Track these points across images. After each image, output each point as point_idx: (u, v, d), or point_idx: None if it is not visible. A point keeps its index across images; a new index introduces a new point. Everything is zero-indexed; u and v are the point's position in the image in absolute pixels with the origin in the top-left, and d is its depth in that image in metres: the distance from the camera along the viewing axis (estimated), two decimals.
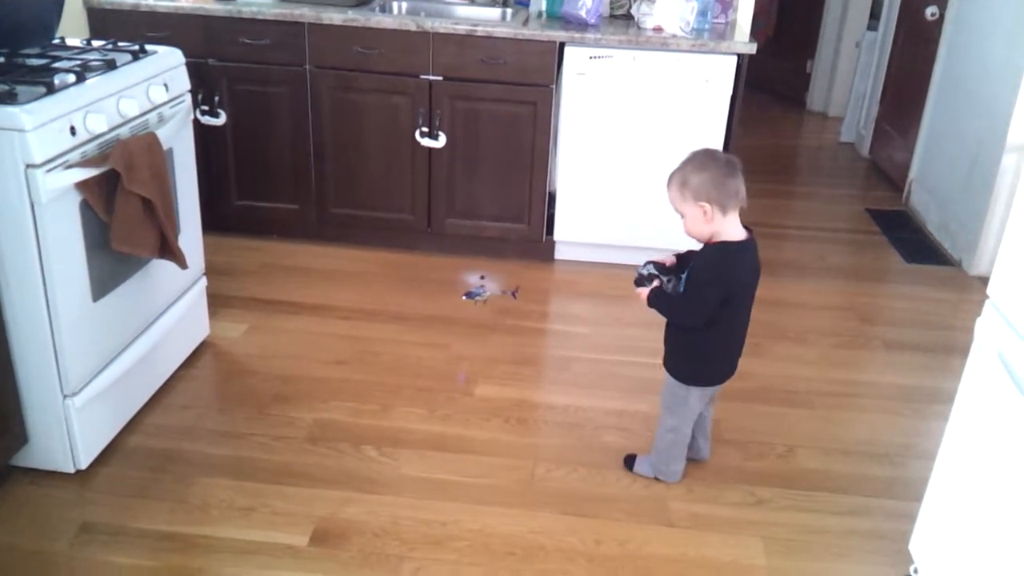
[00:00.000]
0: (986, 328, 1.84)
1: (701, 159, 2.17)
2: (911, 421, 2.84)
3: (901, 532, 2.21)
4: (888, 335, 3.40)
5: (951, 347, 3.28)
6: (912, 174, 4.77)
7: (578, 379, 2.98)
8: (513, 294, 3.17)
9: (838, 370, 3.12)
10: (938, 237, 4.31)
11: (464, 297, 3.13)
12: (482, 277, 3.21)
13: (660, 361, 2.39)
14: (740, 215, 2.19)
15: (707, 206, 2.13)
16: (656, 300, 2.26)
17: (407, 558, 2.16)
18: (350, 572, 2.10)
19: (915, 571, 2.10)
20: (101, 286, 2.33)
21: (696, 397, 2.35)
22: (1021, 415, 1.64)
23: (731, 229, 2.17)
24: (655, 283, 2.27)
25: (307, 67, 3.54)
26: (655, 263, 2.31)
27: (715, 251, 2.18)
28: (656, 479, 2.46)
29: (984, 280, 3.77)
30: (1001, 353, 1.75)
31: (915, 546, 2.11)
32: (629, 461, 2.52)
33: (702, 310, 2.20)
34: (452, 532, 2.25)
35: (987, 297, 1.86)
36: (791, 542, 2.28)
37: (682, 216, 2.20)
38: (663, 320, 2.33)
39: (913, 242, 4.30)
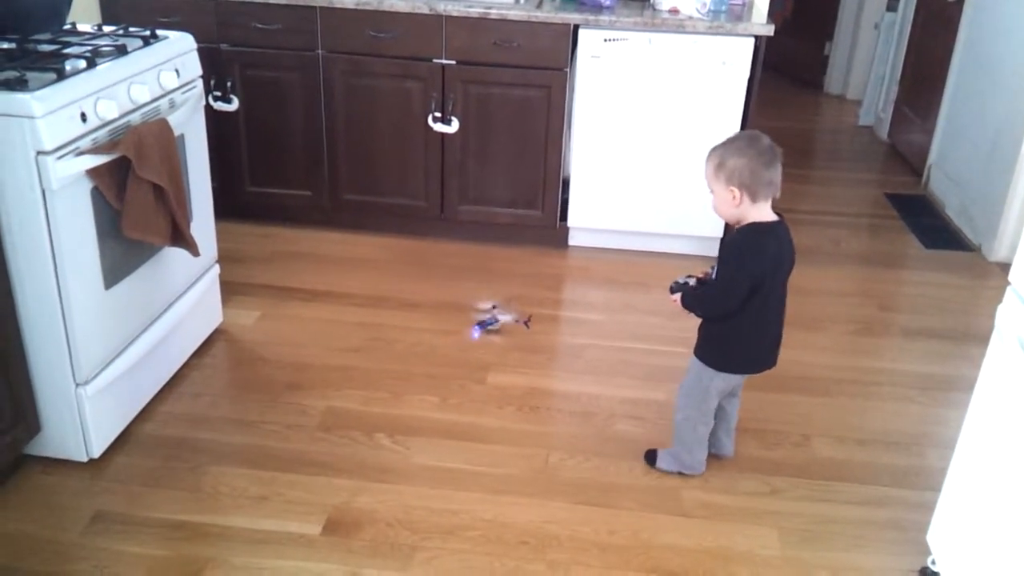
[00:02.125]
0: (1007, 315, 1.81)
1: (743, 143, 2.13)
2: (929, 409, 2.80)
3: (919, 523, 2.19)
4: (906, 322, 3.36)
5: (970, 334, 3.23)
6: (931, 158, 4.71)
7: (591, 367, 2.96)
8: (526, 323, 3.13)
9: (855, 357, 3.09)
10: (957, 222, 4.25)
11: (476, 327, 3.09)
12: (493, 307, 3.18)
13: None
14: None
15: (736, 191, 2.10)
16: (688, 299, 2.26)
17: (419, 548, 2.15)
18: (362, 562, 2.10)
19: (933, 562, 2.07)
20: (113, 274, 2.33)
21: (718, 385, 2.32)
22: None
23: (760, 215, 2.15)
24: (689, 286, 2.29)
25: (319, 52, 3.52)
26: (692, 276, 2.31)
27: (742, 233, 2.17)
28: (680, 473, 2.43)
29: (1003, 266, 3.74)
30: (1023, 341, 1.72)
31: (933, 537, 2.09)
32: (650, 456, 2.48)
33: (731, 293, 2.17)
34: (464, 521, 2.24)
35: (1008, 284, 1.83)
36: (806, 532, 2.26)
37: (711, 192, 2.18)
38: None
39: (932, 227, 4.24)
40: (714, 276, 2.26)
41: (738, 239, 2.18)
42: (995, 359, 1.86)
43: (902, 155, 5.20)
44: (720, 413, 2.42)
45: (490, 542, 2.18)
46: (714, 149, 2.16)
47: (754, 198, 2.11)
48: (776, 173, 2.11)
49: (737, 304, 2.17)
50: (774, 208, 2.18)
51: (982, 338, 1.96)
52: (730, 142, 2.15)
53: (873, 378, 2.97)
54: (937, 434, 2.65)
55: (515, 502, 2.31)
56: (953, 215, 4.32)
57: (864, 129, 5.80)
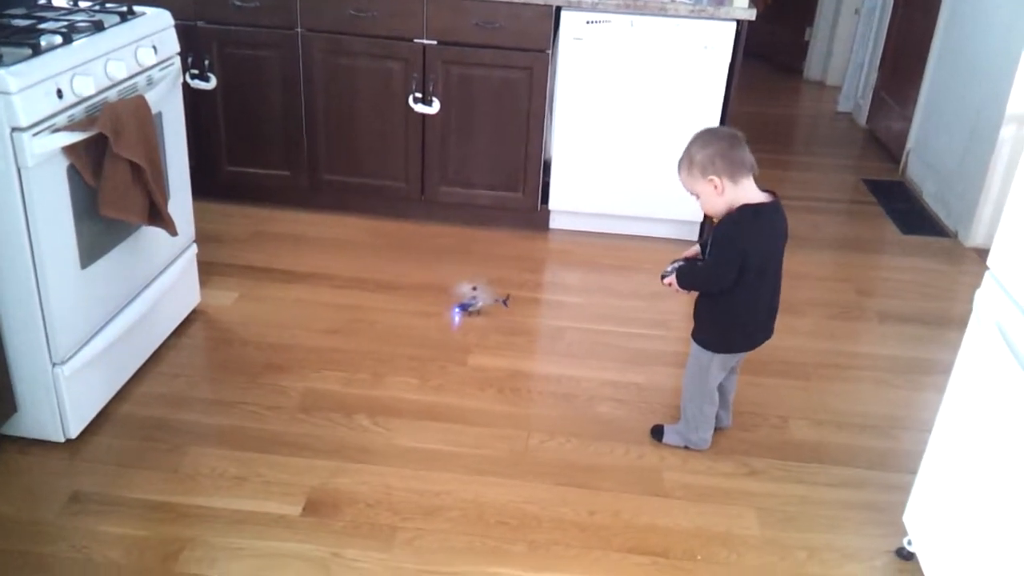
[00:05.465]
0: (985, 300, 1.83)
1: (703, 137, 2.20)
2: (906, 393, 2.83)
3: (895, 504, 2.21)
4: (883, 306, 3.39)
5: (947, 319, 3.27)
6: (910, 144, 4.74)
7: (572, 349, 2.97)
8: (504, 302, 3.14)
9: (833, 341, 3.11)
10: (935, 208, 4.28)
11: (457, 308, 3.09)
12: (474, 288, 3.17)
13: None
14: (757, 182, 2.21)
15: (716, 179, 2.15)
16: (683, 277, 2.29)
17: (400, 528, 2.15)
18: (343, 542, 2.09)
19: (909, 543, 2.10)
20: (89, 253, 2.30)
21: (717, 365, 2.36)
22: (1019, 387, 1.63)
23: (748, 195, 2.18)
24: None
25: (298, 30, 3.48)
26: (681, 259, 2.35)
27: (735, 214, 2.20)
28: (686, 448, 2.47)
29: (980, 251, 3.78)
30: (1000, 325, 1.74)
31: (909, 518, 2.11)
32: (657, 432, 2.52)
33: (722, 271, 2.21)
34: (445, 502, 2.24)
35: (986, 268, 1.85)
36: (784, 513, 2.28)
37: (697, 197, 2.23)
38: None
39: (909, 213, 4.28)
40: (703, 257, 2.29)
41: (732, 219, 2.21)
42: (972, 343, 1.88)
43: (880, 141, 5.23)
44: (719, 389, 2.45)
45: (471, 522, 2.18)
46: (680, 159, 2.22)
47: (733, 179, 2.15)
48: (745, 152, 2.16)
49: (730, 281, 2.21)
50: (765, 188, 2.22)
51: (958, 322, 1.98)
52: (690, 143, 2.21)
53: (851, 362, 2.99)
54: (913, 417, 2.68)
55: (496, 483, 2.32)
56: (930, 201, 4.35)
57: (843, 115, 5.83)
